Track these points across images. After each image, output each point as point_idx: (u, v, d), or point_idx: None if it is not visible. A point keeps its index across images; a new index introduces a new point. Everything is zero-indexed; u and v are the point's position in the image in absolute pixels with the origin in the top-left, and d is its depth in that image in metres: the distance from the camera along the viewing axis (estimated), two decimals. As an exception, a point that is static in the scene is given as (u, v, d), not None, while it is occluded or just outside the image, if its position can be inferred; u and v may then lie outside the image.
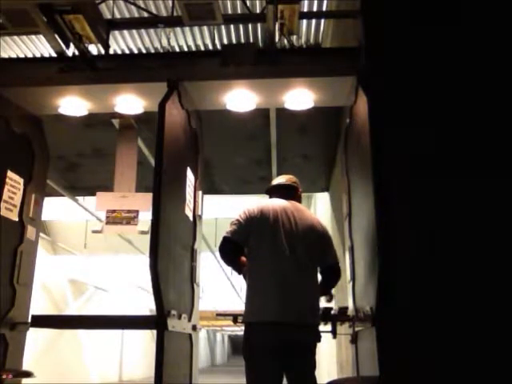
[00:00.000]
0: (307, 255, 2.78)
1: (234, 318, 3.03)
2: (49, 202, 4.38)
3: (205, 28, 5.62)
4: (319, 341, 2.78)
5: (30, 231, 3.65)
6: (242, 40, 5.76)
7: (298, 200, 3.06)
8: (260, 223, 2.81)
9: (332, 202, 5.98)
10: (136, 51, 5.98)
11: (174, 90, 3.17)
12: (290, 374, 2.72)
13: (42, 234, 5.36)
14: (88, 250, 10.63)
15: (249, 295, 2.77)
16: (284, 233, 2.78)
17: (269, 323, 2.63)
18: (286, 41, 3.60)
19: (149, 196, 3.39)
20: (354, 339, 3.09)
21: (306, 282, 2.74)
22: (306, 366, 2.73)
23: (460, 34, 2.70)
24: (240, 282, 11.73)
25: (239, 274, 2.92)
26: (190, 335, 3.34)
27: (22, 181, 3.56)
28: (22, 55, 6.00)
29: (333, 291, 3.08)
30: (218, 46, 5.66)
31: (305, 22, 5.42)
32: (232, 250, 2.86)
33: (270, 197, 3.09)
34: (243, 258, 2.87)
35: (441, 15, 2.74)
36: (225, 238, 2.83)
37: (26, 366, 3.55)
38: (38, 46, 5.91)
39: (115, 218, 4.24)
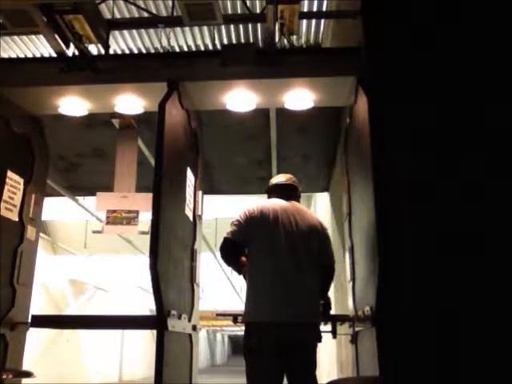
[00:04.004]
0: (307, 255, 2.78)
1: (234, 318, 3.03)
2: (49, 202, 4.38)
3: (205, 28, 5.61)
4: (320, 341, 2.78)
5: (30, 231, 3.65)
6: (242, 40, 5.75)
7: (298, 200, 3.06)
8: (260, 223, 2.81)
9: (332, 201, 5.98)
10: (136, 51, 5.97)
11: (173, 90, 3.17)
12: (291, 374, 2.72)
13: (41, 234, 5.36)
14: (88, 250, 10.63)
15: (249, 295, 2.78)
16: (284, 233, 2.78)
17: (269, 323, 2.63)
18: (285, 41, 3.60)
19: (149, 196, 3.39)
20: (354, 339, 3.09)
21: (305, 282, 2.74)
22: (307, 365, 2.73)
23: (460, 33, 2.70)
24: (240, 282, 11.72)
25: (239, 274, 2.93)
26: (190, 335, 3.34)
27: (22, 181, 3.56)
28: (22, 55, 5.99)
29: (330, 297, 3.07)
30: (218, 46, 5.66)
31: (305, 22, 5.42)
32: (232, 250, 2.86)
33: (270, 196, 3.08)
34: (243, 258, 2.87)
35: (441, 15, 2.73)
36: (225, 239, 2.84)
37: (25, 366, 3.56)
38: (38, 46, 5.91)
39: (115, 219, 4.24)
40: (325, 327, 2.97)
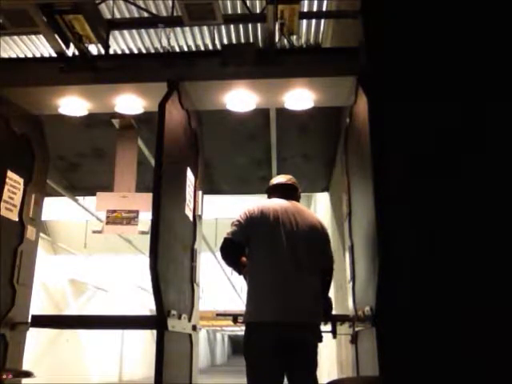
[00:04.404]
0: (307, 255, 2.78)
1: (234, 318, 3.03)
2: (49, 202, 4.38)
3: (205, 28, 5.62)
4: (321, 341, 2.77)
5: (30, 231, 3.65)
6: (242, 40, 5.75)
7: (298, 200, 3.06)
8: (260, 223, 2.81)
9: (332, 201, 5.98)
10: (136, 51, 5.98)
11: (173, 90, 3.17)
12: (291, 374, 2.72)
13: (42, 234, 5.36)
14: (88, 250, 10.62)
15: (249, 295, 2.77)
16: (284, 233, 2.78)
17: (269, 323, 2.63)
18: (285, 41, 3.60)
19: (149, 196, 3.39)
20: (354, 339, 3.09)
21: (306, 282, 2.74)
22: (307, 365, 2.72)
23: (460, 33, 2.70)
24: (240, 282, 11.72)
25: (239, 274, 2.92)
26: (190, 335, 3.34)
27: (21, 181, 3.56)
28: (22, 55, 5.99)
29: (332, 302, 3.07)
30: (218, 46, 5.66)
31: (305, 22, 5.42)
32: (233, 250, 2.86)
33: (270, 196, 3.08)
34: (243, 259, 2.87)
35: (441, 15, 2.73)
36: (225, 239, 2.83)
37: (25, 366, 3.56)
38: (37, 46, 5.91)
39: (115, 218, 4.24)
40: (325, 327, 2.97)
